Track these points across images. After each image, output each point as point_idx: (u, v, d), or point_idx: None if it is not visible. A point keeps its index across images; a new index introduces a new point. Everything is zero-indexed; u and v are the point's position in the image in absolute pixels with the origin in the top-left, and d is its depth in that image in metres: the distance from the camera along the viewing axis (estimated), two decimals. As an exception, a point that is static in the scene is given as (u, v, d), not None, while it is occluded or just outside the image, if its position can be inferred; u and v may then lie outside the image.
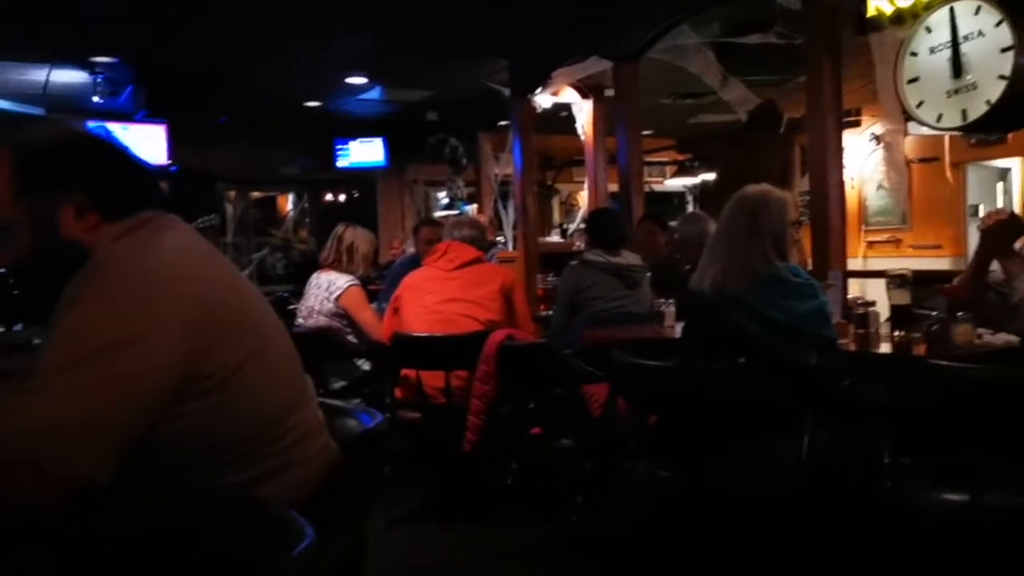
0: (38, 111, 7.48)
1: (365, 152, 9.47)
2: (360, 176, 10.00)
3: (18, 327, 4.03)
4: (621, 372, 2.59)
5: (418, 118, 8.43)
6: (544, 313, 4.54)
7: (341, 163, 9.53)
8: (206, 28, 5.63)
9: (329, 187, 10.75)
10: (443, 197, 10.27)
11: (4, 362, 3.20)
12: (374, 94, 7.64)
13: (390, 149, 9.43)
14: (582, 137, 6.40)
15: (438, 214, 9.36)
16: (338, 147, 9.45)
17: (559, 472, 3.39)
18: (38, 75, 6.64)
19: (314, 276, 4.22)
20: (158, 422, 1.21)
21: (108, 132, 1.40)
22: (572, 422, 3.25)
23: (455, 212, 8.78)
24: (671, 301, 3.56)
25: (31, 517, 1.10)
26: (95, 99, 6.84)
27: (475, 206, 9.26)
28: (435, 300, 3.72)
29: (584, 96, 6.29)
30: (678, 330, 3.31)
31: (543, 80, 6.09)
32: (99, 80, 6.69)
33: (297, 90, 7.51)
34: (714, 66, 5.12)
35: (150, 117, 7.30)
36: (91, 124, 7.55)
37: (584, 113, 6.34)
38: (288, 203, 11.72)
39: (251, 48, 6.17)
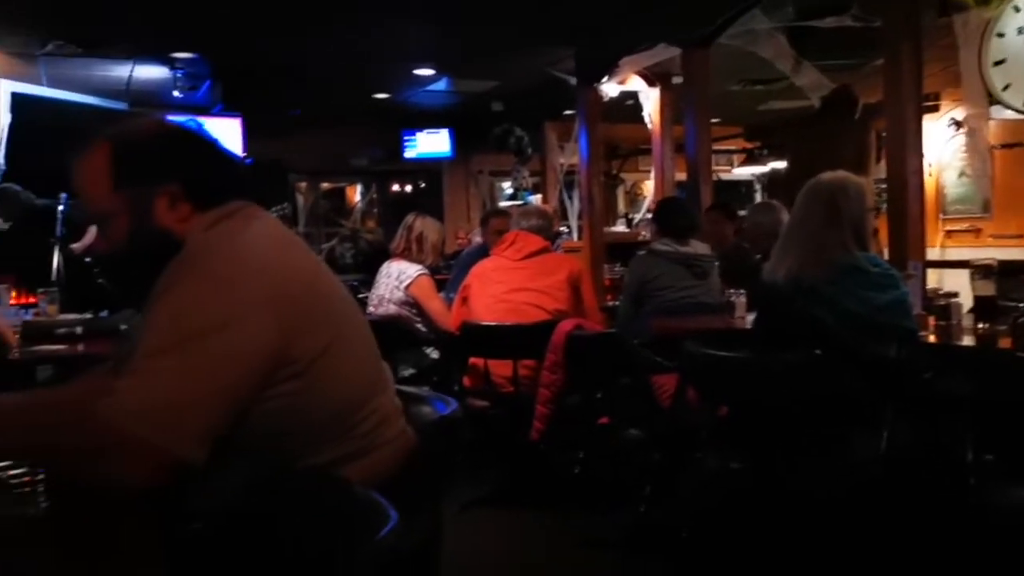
0: (121, 105, 7.72)
1: (431, 143, 9.52)
2: (426, 167, 10.01)
3: (104, 313, 4.23)
4: (692, 362, 2.56)
5: (483, 108, 8.42)
6: (611, 303, 4.51)
7: (408, 154, 9.58)
8: (280, 22, 5.74)
9: (396, 178, 10.81)
10: (508, 187, 10.27)
11: (96, 346, 3.38)
12: (441, 85, 7.68)
13: (456, 140, 9.47)
14: (649, 126, 6.31)
15: (502, 204, 9.37)
16: (405, 138, 9.51)
17: (626, 462, 3.38)
18: (122, 71, 6.88)
19: (384, 265, 4.26)
20: (246, 406, 1.24)
21: (199, 125, 1.44)
22: (640, 412, 3.23)
23: (520, 203, 8.78)
24: (742, 292, 3.50)
25: (137, 498, 1.13)
26: (175, 94, 7.06)
27: (539, 196, 9.23)
28: (503, 289, 3.73)
29: (651, 84, 6.20)
30: (749, 321, 3.25)
31: (610, 68, 6.03)
32: (179, 75, 6.91)
33: (367, 82, 7.57)
34: (787, 51, 4.99)
35: (227, 111, 7.51)
36: (175, 118, 7.81)
37: (651, 101, 6.25)
38: (356, 194, 11.75)
39: (323, 41, 6.25)
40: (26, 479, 0.88)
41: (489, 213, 5.06)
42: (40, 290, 4.18)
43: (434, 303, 4.13)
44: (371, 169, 10.34)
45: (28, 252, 5.41)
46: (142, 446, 1.14)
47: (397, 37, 6.14)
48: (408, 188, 10.92)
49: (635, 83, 6.23)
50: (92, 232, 6.06)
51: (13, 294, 4.93)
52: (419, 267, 4.18)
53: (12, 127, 6.67)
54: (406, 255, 4.22)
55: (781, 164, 9.38)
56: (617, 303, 4.31)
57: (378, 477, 1.34)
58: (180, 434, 1.16)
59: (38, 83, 7.04)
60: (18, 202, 5.51)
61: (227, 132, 7.90)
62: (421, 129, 9.43)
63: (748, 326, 3.22)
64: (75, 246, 5.74)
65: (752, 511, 2.50)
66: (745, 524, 2.56)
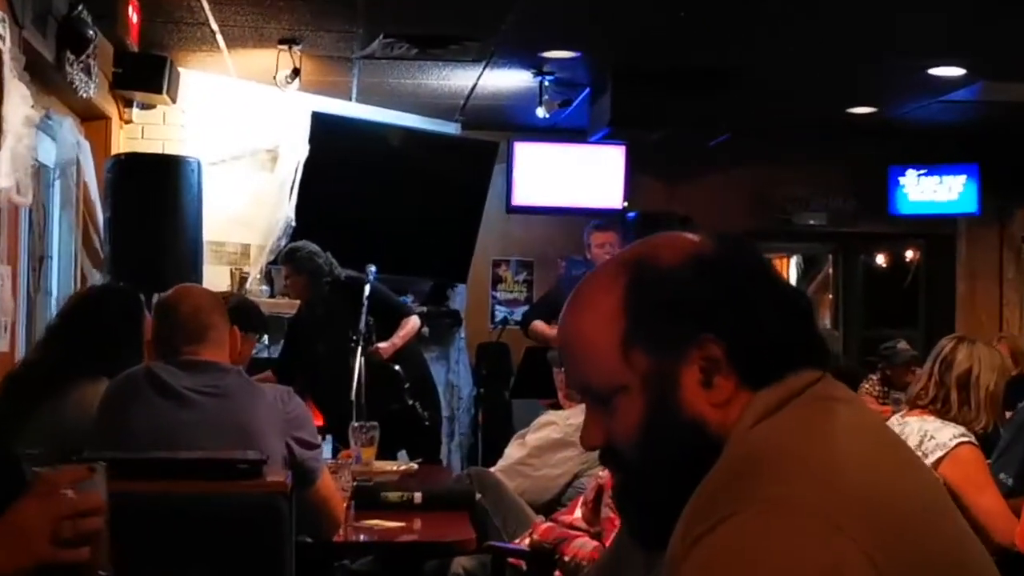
0: (451, 127, 8.83)
1: (939, 188, 9.51)
2: (927, 227, 9.99)
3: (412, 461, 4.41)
4: None
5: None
6: None
7: (898, 206, 9.56)
8: (712, 14, 6.04)
9: (873, 244, 10.85)
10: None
11: (441, 527, 3.54)
12: (963, 93, 7.68)
13: (983, 183, 9.33)
14: None
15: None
16: (894, 180, 9.53)
17: None
18: (462, 78, 7.74)
19: (895, 421, 4.20)
20: None
21: (742, 244, 1.54)
22: None
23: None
24: None
25: None
26: (539, 112, 7.64)
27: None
28: None
29: None
30: None
31: None
32: (547, 83, 7.48)
33: (840, 91, 7.81)
34: None
35: (611, 137, 7.94)
36: (529, 145, 8.40)
37: None
38: (790, 268, 11.79)
39: (778, 39, 6.49)
40: None
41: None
42: (355, 424, 4.61)
43: (984, 499, 3.93)
44: (829, 230, 10.32)
45: (329, 345, 6.16)
46: None
47: (906, 19, 6.15)
48: (893, 262, 10.83)
49: None
50: (410, 326, 6.58)
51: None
52: (958, 430, 4.01)
53: (309, 163, 7.62)
54: (936, 409, 4.09)
55: None
56: None
57: None
58: None
59: (346, 97, 8.04)
60: (314, 269, 6.30)
61: (605, 168, 8.77)
62: (922, 165, 9.39)
63: None
64: (382, 346, 6.27)
65: None
66: None
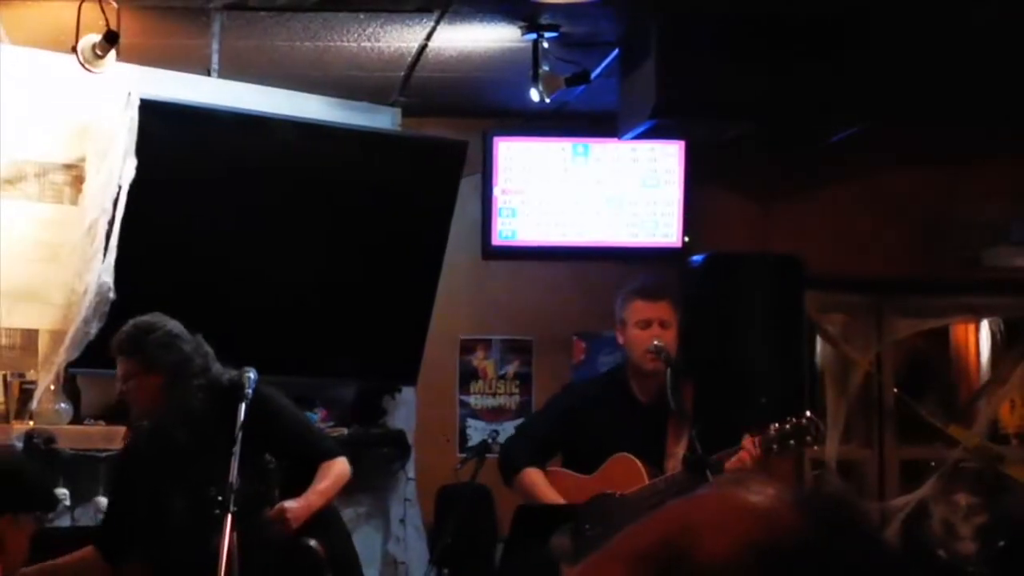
0: (385, 118, 8.82)
1: None
2: None
3: None
4: None
5: None
6: None
7: None
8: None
9: None
10: None
11: None
12: None
13: None
14: None
15: None
16: None
17: None
18: (401, 37, 7.83)
19: None
20: None
21: (842, 514, 1.46)
22: None
23: None
24: None
25: None
26: (534, 93, 7.87)
27: None
28: None
29: None
30: None
31: None
32: (546, 43, 7.70)
33: None
34: None
35: (660, 131, 8.20)
36: (519, 144, 9.09)
37: None
38: (979, 340, 11.90)
39: None
40: None
41: None
42: None
43: None
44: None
45: (193, 501, 5.88)
46: None
47: None
48: None
49: None
50: (336, 473, 6.85)
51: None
52: None
53: (139, 187, 7.41)
54: None
55: None
56: None
57: None
58: None
59: (202, 73, 8.13)
60: (177, 364, 6.11)
61: (649, 181, 9.05)
62: None
63: None
64: (291, 507, 6.04)
65: None
66: None
